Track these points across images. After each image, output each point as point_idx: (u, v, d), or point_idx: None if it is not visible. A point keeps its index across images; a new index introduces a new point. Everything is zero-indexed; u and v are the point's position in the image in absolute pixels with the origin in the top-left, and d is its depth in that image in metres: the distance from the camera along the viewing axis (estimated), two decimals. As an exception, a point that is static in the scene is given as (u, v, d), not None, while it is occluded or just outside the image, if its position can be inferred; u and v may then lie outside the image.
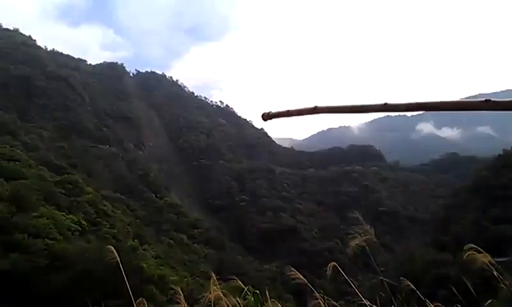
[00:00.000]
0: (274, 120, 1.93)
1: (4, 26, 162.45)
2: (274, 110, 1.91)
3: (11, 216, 37.54)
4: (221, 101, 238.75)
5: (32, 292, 29.55)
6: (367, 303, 4.38)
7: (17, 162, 60.18)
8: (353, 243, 4.31)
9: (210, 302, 4.31)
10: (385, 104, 1.59)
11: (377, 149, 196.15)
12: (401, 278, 4.89)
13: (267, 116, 1.91)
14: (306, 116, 1.85)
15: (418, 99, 1.50)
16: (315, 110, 1.78)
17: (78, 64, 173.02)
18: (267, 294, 4.64)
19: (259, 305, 4.02)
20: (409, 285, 4.72)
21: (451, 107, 1.44)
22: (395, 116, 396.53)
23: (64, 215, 46.60)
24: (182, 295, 4.58)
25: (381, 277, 4.78)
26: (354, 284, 5.09)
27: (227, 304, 4.30)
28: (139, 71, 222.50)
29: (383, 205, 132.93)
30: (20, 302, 28.50)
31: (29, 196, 43.91)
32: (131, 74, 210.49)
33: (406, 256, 65.87)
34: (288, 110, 1.86)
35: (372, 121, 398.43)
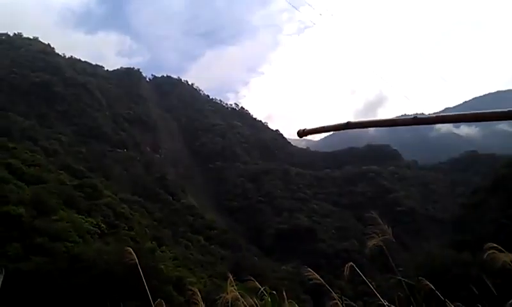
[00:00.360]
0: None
1: (25, 35, 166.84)
2: (308, 127, 1.99)
3: (33, 220, 38.40)
4: (236, 103, 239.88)
5: (53, 293, 30.12)
6: (386, 303, 4.34)
7: (37, 167, 61.58)
8: (371, 243, 4.28)
9: (228, 302, 4.34)
10: (415, 118, 1.61)
11: (394, 148, 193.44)
12: (420, 278, 4.83)
13: (302, 133, 1.98)
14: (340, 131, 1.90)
15: (445, 111, 1.53)
16: (347, 125, 1.83)
17: (95, 71, 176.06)
18: (284, 295, 4.64)
19: (276, 305, 4.03)
20: (428, 285, 4.65)
21: (479, 119, 1.43)
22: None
23: (83, 218, 47.44)
24: (200, 295, 4.62)
25: (400, 277, 4.73)
26: (372, 285, 5.05)
27: (244, 305, 4.32)
28: (155, 76, 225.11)
29: (401, 205, 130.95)
30: (42, 303, 29.09)
31: (49, 199, 44.83)
32: (147, 79, 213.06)
33: (425, 256, 64.82)
34: (322, 127, 1.93)
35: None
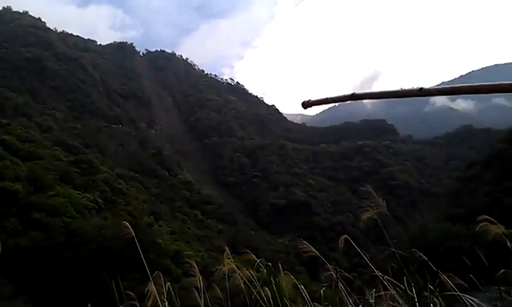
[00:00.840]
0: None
1: (14, 9, 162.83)
2: (313, 98, 1.97)
3: (29, 196, 38.48)
4: (231, 78, 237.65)
5: (52, 268, 30.49)
6: (379, 274, 4.41)
7: (32, 143, 61.25)
8: (365, 216, 4.31)
9: (225, 274, 4.40)
10: (421, 89, 1.59)
11: (390, 123, 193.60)
12: (413, 250, 4.90)
13: (306, 104, 1.96)
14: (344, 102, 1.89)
15: (448, 84, 1.53)
16: (352, 96, 1.81)
17: (88, 45, 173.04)
18: (280, 266, 4.71)
19: (272, 277, 4.10)
20: (421, 257, 4.72)
21: (483, 90, 1.42)
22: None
23: (80, 194, 47.56)
24: (197, 268, 4.68)
25: (393, 249, 4.80)
26: (366, 257, 5.13)
27: (241, 276, 4.39)
28: (148, 50, 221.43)
29: (396, 179, 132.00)
30: (40, 278, 29.46)
31: (45, 175, 44.82)
32: (141, 54, 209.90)
33: (419, 229, 65.80)
34: (326, 98, 1.91)
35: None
